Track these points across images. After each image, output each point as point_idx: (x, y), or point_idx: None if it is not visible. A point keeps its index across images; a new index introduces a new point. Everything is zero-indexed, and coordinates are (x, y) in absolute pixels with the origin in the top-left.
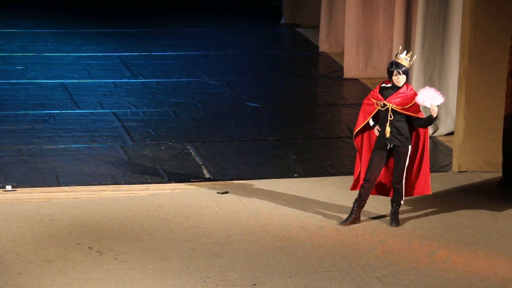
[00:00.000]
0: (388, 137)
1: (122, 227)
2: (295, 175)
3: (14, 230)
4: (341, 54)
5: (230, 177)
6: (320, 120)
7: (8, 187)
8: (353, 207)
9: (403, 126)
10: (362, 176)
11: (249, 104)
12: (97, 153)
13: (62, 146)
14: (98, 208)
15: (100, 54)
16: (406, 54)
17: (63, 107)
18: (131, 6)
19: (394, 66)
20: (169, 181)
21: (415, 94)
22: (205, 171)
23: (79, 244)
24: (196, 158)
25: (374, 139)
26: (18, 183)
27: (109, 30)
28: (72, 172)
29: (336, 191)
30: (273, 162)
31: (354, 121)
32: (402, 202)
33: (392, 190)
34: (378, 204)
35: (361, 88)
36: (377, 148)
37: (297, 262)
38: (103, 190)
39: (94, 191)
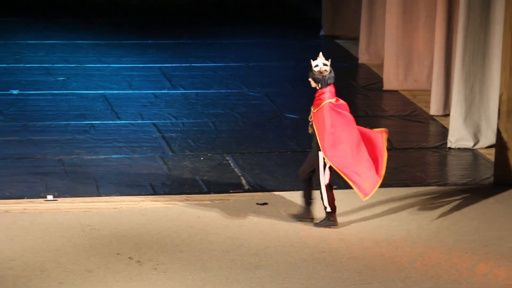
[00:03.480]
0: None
1: (162, 237)
2: (335, 186)
3: (56, 239)
4: (381, 66)
5: (269, 188)
6: None
7: (50, 197)
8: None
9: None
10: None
11: (288, 115)
12: (137, 164)
13: (102, 157)
14: (138, 218)
15: (141, 65)
16: (317, 62)
17: (104, 117)
18: (172, 17)
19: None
20: (208, 192)
21: (322, 100)
22: (244, 182)
23: (119, 254)
24: (235, 169)
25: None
26: (60, 193)
27: (149, 41)
28: (113, 183)
29: (376, 203)
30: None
31: (394, 133)
32: (326, 207)
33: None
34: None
35: (401, 100)
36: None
37: (336, 274)
38: (143, 201)
39: (134, 201)
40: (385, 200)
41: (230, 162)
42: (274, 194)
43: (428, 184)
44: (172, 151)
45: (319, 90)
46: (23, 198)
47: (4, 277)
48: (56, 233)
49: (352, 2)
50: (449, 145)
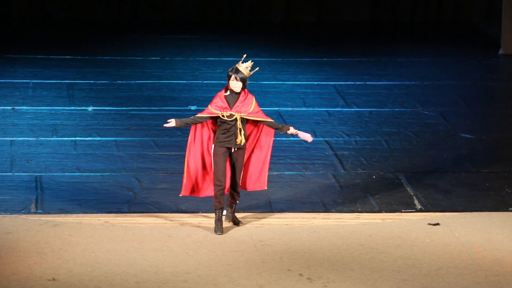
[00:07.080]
0: (238, 143)
1: (332, 255)
2: (510, 208)
3: (228, 254)
4: None
5: (442, 209)
6: None
7: (224, 212)
8: (217, 214)
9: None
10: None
11: (463, 135)
12: (309, 181)
13: (275, 173)
14: (309, 235)
15: (315, 83)
16: (249, 63)
17: (277, 134)
18: (346, 35)
19: (233, 71)
20: (380, 210)
21: (252, 97)
22: (416, 202)
23: (290, 270)
24: (408, 188)
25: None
26: None
27: (324, 59)
28: (285, 199)
29: None
30: (487, 195)
31: None
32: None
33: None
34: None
35: None
36: (220, 153)
37: None
38: (314, 218)
39: (306, 218)
40: None
41: (402, 181)
42: (446, 215)
43: None
44: (344, 169)
45: (247, 91)
46: (198, 212)
47: None
48: (228, 248)
49: None
50: None
